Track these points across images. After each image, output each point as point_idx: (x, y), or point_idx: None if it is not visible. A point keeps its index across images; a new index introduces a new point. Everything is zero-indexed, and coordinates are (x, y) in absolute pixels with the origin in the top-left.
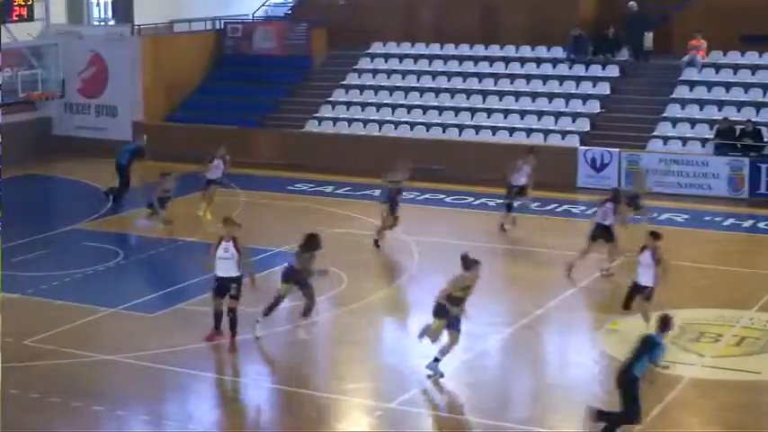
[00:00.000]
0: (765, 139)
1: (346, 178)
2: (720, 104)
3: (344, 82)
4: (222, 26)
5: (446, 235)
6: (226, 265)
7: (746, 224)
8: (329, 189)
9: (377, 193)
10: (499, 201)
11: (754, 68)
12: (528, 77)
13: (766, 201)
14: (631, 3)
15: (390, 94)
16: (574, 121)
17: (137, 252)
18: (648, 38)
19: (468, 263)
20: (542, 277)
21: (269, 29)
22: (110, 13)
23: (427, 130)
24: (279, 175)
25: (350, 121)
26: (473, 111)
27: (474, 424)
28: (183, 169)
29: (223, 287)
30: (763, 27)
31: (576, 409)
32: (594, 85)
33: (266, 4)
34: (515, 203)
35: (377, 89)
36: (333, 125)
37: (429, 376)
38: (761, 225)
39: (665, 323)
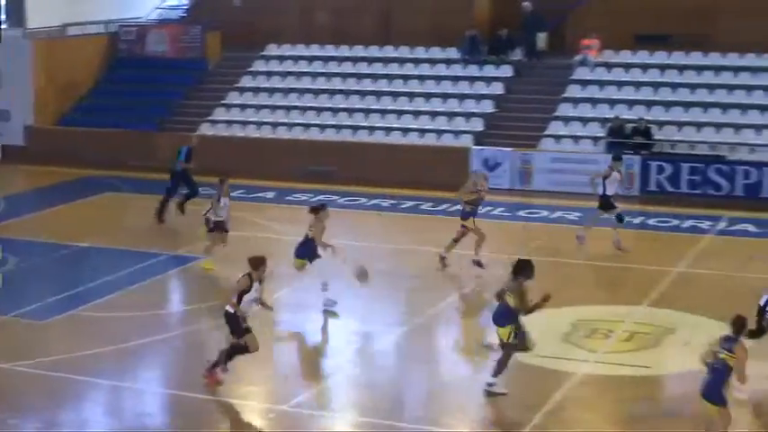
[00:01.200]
0: (655, 138)
1: (240, 181)
2: (612, 103)
3: (239, 84)
4: (116, 29)
5: (342, 236)
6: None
7: (637, 221)
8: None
9: (270, 195)
10: (392, 201)
11: (645, 67)
12: (422, 78)
13: (656, 198)
14: (526, 3)
15: (285, 96)
16: (467, 121)
17: (27, 258)
18: (542, 38)
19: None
20: (435, 276)
21: (163, 32)
22: (2, 17)
23: (321, 132)
24: None
25: (244, 123)
26: (368, 112)
27: (367, 424)
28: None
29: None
30: (658, 27)
31: (470, 407)
32: (488, 86)
33: (160, 6)
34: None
35: (271, 91)
36: (227, 127)
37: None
38: (651, 222)
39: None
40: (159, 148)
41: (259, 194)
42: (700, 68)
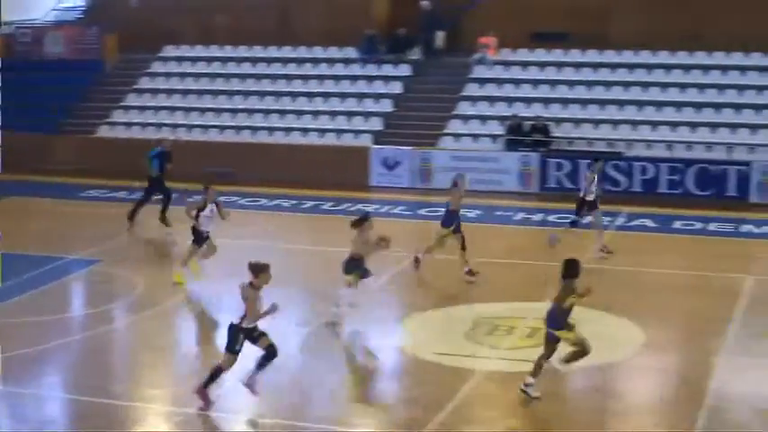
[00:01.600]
0: (553, 135)
1: (140, 183)
2: (510, 101)
3: (137, 86)
4: (12, 31)
5: (240, 237)
6: None
7: (536, 218)
8: (122, 194)
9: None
10: (293, 202)
11: (542, 65)
12: (321, 78)
13: (555, 195)
14: (424, 2)
15: (184, 98)
16: (367, 121)
17: None
18: (440, 37)
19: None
20: (338, 276)
21: (59, 33)
22: None
23: (221, 133)
24: (75, 181)
25: (143, 125)
26: (267, 113)
27: (274, 425)
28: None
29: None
30: (555, 25)
31: (374, 406)
32: (387, 85)
33: (56, 8)
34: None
35: (170, 93)
36: (126, 129)
37: None
38: (551, 218)
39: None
40: (57, 150)
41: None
42: (596, 66)
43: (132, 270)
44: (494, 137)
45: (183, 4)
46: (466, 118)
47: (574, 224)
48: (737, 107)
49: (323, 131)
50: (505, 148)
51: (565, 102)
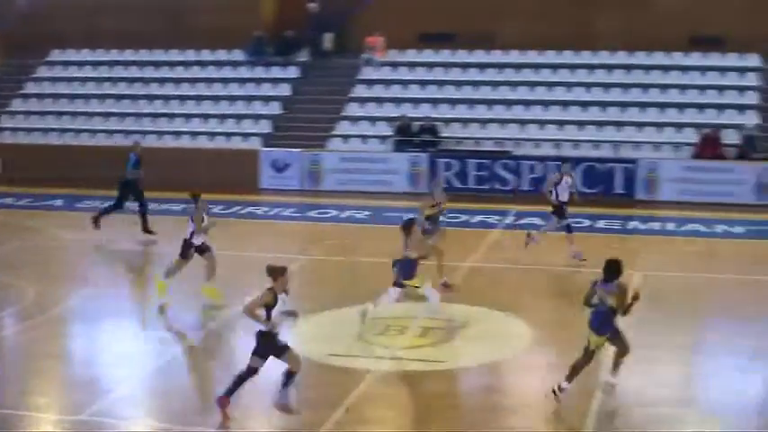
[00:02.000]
0: (442, 135)
1: (26, 189)
2: (398, 102)
3: (23, 91)
4: None
5: (130, 241)
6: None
7: None
8: (9, 201)
9: (59, 202)
10: (183, 206)
11: (430, 66)
12: (209, 81)
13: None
14: (312, 4)
15: (71, 102)
16: (256, 123)
17: None
18: (328, 38)
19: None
20: (229, 280)
21: None
22: None
23: (109, 137)
24: None
25: (29, 130)
26: (155, 116)
27: (165, 430)
28: None
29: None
30: (442, 25)
31: (268, 409)
32: (275, 87)
33: None
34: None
35: (57, 97)
36: (12, 135)
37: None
38: (440, 218)
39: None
40: None
41: (47, 202)
42: (483, 66)
43: (21, 278)
44: (383, 138)
45: (69, 7)
46: (355, 119)
47: (569, 230)
48: (623, 105)
49: (212, 135)
50: (394, 148)
51: (453, 102)
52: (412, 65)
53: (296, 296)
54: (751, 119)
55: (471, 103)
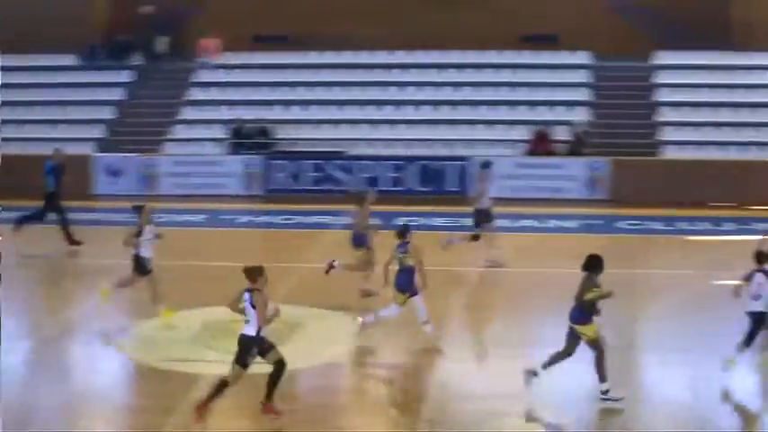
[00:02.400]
0: (277, 137)
1: None
2: (234, 104)
3: None
4: None
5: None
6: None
7: (261, 220)
8: None
9: None
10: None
11: (264, 68)
12: (40, 86)
13: (280, 197)
14: (145, 7)
15: None
16: (89, 128)
17: None
18: (163, 41)
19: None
20: (61, 287)
21: None
22: None
23: None
24: None
25: None
26: None
27: None
28: None
29: None
30: (276, 27)
31: (108, 414)
32: (109, 92)
33: None
34: None
35: None
36: None
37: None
38: (276, 220)
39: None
40: None
41: None
42: (317, 67)
43: None
44: (218, 141)
45: None
46: (190, 123)
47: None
48: (455, 104)
49: (44, 141)
50: (229, 151)
51: (287, 103)
52: (246, 67)
53: (131, 301)
54: (582, 115)
55: (305, 104)
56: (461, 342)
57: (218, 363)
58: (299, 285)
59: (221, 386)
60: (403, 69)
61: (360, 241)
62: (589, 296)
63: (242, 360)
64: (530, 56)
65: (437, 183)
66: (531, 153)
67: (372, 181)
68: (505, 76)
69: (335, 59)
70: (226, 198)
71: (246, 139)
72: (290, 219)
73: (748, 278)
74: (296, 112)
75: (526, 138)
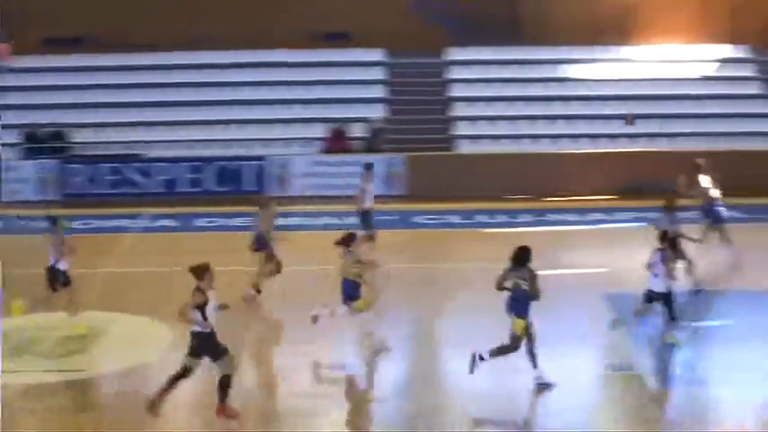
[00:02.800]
0: (73, 141)
1: None
2: (28, 109)
3: None
4: None
5: None
6: None
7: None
8: None
9: None
10: None
11: (58, 71)
12: None
13: (76, 201)
14: None
15: None
16: None
17: None
18: None
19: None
20: None
21: None
22: None
23: None
24: None
25: None
26: None
27: None
28: None
29: None
30: (66, 30)
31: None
32: None
33: None
34: None
35: None
36: None
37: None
38: (76, 225)
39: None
40: None
41: None
42: (114, 69)
43: None
44: (12, 146)
45: None
46: None
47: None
48: (250, 104)
49: None
50: (23, 156)
51: (83, 107)
52: (39, 71)
53: None
54: (377, 112)
55: (102, 107)
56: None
57: (22, 372)
58: (101, 290)
59: (176, 379)
60: (199, 70)
61: (261, 244)
62: (525, 287)
63: (195, 354)
64: (323, 54)
65: (235, 183)
66: (328, 151)
67: (170, 183)
68: (300, 74)
69: (132, 61)
70: (21, 204)
71: (41, 143)
72: (87, 223)
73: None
74: (92, 116)
75: (323, 136)
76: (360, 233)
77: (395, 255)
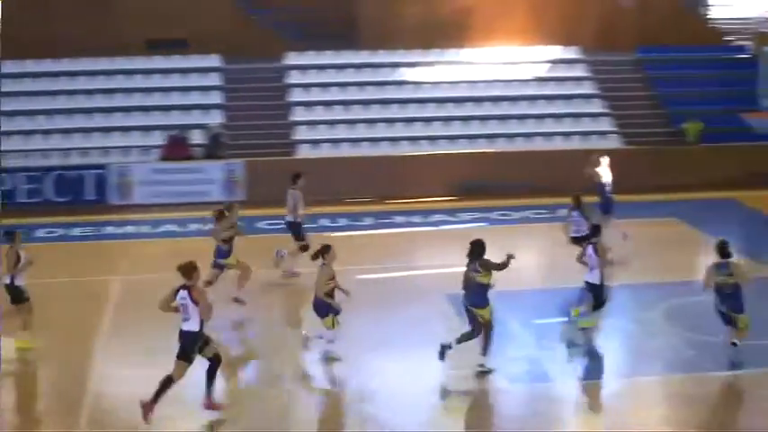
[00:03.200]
0: None
1: None
2: None
3: None
4: None
5: None
6: None
7: None
8: None
9: None
10: None
11: None
12: None
13: None
14: None
15: None
16: None
17: None
18: None
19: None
20: None
21: None
22: None
23: None
24: None
25: None
26: None
27: None
28: None
29: None
30: None
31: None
32: None
33: None
34: None
35: None
36: None
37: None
38: None
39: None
40: None
41: None
42: None
43: None
44: None
45: None
46: None
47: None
48: (88, 112)
49: None
50: None
51: None
52: None
53: None
54: (216, 118)
55: None
56: (121, 350)
57: None
58: None
59: (167, 383)
60: (35, 79)
61: (223, 254)
62: (483, 279)
63: (186, 355)
64: (161, 61)
65: (75, 192)
66: (167, 158)
67: (8, 194)
68: (137, 81)
69: None
70: None
71: None
72: None
73: (584, 251)
74: None
75: (161, 143)
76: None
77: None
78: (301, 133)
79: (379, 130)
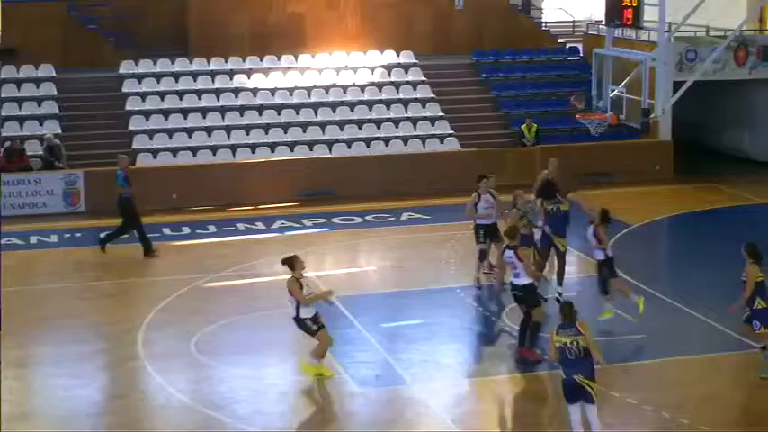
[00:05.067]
0: None
1: None
2: None
3: None
4: None
5: None
6: None
7: None
8: None
9: None
10: None
11: None
12: None
13: None
14: None
15: None
16: None
17: None
18: None
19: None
20: None
21: None
22: None
23: None
24: None
25: None
26: None
27: None
28: None
29: None
30: None
31: None
32: None
33: None
34: None
35: None
36: None
37: None
38: None
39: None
40: None
41: None
42: None
43: None
44: None
45: None
46: None
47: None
48: None
49: None
50: None
51: None
52: None
53: None
54: (52, 128)
55: None
56: None
57: None
58: None
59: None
60: None
61: None
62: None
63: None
64: None
65: None
66: (5, 169)
67: None
68: None
69: None
70: None
71: None
72: None
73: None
74: None
75: None
76: None
77: (82, 272)
78: (140, 142)
79: (217, 138)
